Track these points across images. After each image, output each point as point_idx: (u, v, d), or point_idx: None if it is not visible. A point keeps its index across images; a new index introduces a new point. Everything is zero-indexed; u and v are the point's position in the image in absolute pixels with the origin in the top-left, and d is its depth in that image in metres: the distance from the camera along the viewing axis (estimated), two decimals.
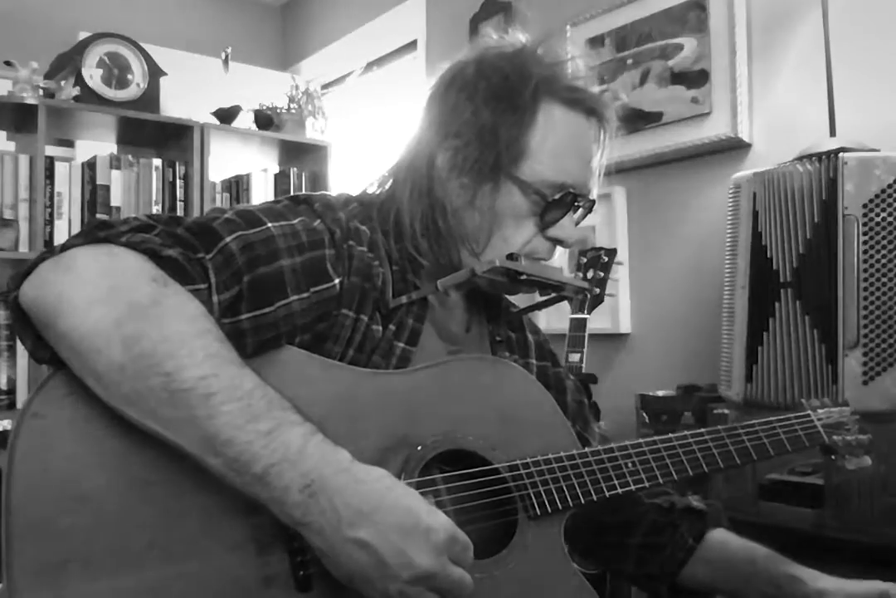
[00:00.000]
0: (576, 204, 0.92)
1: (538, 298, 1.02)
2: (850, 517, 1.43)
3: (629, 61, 2.17)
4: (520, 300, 1.06)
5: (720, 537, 1.03)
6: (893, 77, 1.71)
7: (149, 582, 0.66)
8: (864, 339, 1.47)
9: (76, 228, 2.44)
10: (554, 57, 0.93)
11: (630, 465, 0.89)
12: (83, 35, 2.71)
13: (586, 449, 0.89)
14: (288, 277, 0.79)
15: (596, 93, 0.93)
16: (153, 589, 0.66)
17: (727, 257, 1.69)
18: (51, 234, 2.39)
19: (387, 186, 0.96)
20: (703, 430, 0.95)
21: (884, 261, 1.47)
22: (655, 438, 0.92)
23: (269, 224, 0.81)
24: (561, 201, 0.90)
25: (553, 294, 0.98)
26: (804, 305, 1.55)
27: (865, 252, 1.47)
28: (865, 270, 1.47)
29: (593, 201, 0.95)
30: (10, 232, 2.30)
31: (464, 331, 0.98)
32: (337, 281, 0.83)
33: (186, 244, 0.74)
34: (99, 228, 0.73)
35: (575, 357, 1.88)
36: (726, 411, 1.67)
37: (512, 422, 0.88)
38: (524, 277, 0.89)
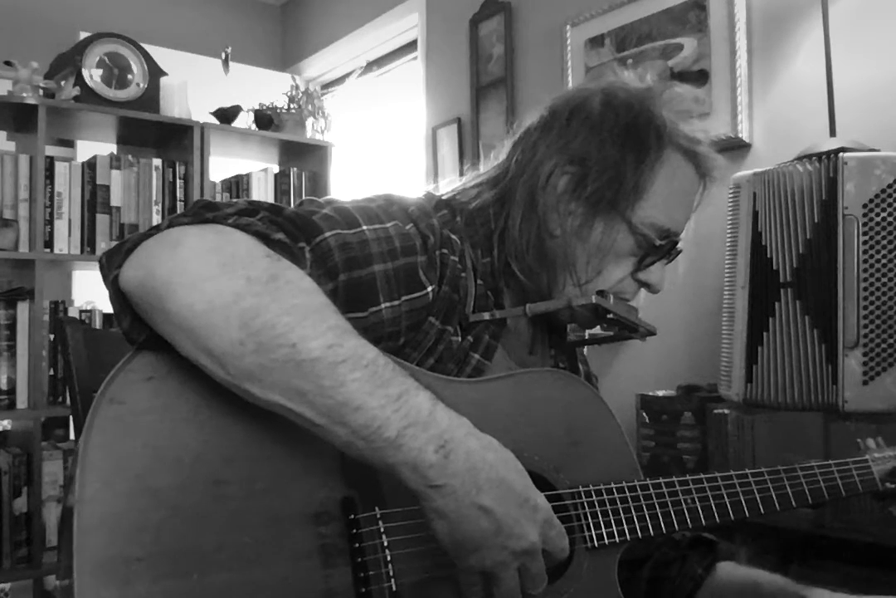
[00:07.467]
0: (672, 252, 0.94)
1: (596, 331, 1.02)
2: (850, 517, 1.43)
3: (629, 61, 2.17)
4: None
5: (727, 566, 1.02)
6: (893, 77, 1.71)
7: (214, 587, 0.63)
8: (864, 339, 1.47)
9: (76, 229, 2.44)
10: (679, 104, 0.93)
11: (689, 501, 0.88)
12: (83, 35, 2.72)
13: (648, 481, 0.88)
14: (381, 283, 0.78)
15: (713, 151, 0.94)
16: (216, 595, 0.63)
17: (727, 257, 1.69)
18: (51, 234, 2.39)
19: (481, 197, 0.95)
20: (763, 470, 0.95)
21: (884, 261, 1.47)
22: (717, 474, 0.91)
23: (364, 227, 0.79)
24: (663, 247, 0.92)
25: (623, 333, 0.99)
26: (804, 305, 1.55)
27: (865, 252, 1.47)
28: (865, 270, 1.47)
29: (680, 251, 0.97)
30: (10, 232, 2.30)
31: (528, 354, 0.98)
32: (430, 289, 0.82)
33: (288, 232, 0.74)
34: (206, 209, 0.72)
35: None
36: (726, 411, 1.68)
37: (579, 443, 0.86)
38: (610, 316, 0.90)
